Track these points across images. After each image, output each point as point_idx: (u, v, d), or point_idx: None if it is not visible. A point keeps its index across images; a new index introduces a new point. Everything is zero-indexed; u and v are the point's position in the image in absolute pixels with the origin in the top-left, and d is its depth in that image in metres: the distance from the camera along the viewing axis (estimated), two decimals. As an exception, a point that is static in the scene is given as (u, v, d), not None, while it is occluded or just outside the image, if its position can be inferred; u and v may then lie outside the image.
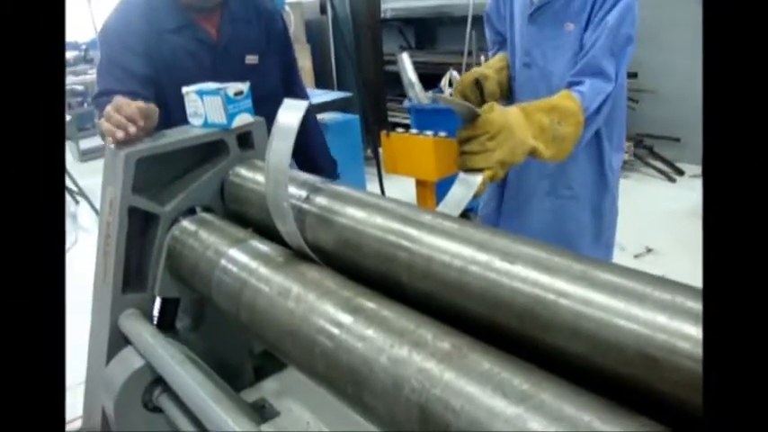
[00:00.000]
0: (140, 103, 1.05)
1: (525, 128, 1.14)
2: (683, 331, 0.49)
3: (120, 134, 0.99)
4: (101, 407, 1.02)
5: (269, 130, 0.87)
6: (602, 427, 0.47)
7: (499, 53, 1.65)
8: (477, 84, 1.56)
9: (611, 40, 1.32)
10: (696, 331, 0.48)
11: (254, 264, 0.86)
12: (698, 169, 4.33)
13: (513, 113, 1.13)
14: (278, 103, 1.75)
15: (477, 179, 1.06)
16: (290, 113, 0.83)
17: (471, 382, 0.55)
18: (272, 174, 0.82)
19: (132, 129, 0.99)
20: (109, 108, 1.04)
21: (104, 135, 1.05)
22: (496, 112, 1.09)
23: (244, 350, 1.14)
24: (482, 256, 0.66)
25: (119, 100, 1.06)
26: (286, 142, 0.81)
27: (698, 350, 0.47)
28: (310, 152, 1.73)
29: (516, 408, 0.51)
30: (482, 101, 1.57)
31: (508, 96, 1.62)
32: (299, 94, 1.72)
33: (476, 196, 1.06)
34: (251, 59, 1.55)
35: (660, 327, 0.51)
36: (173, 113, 1.29)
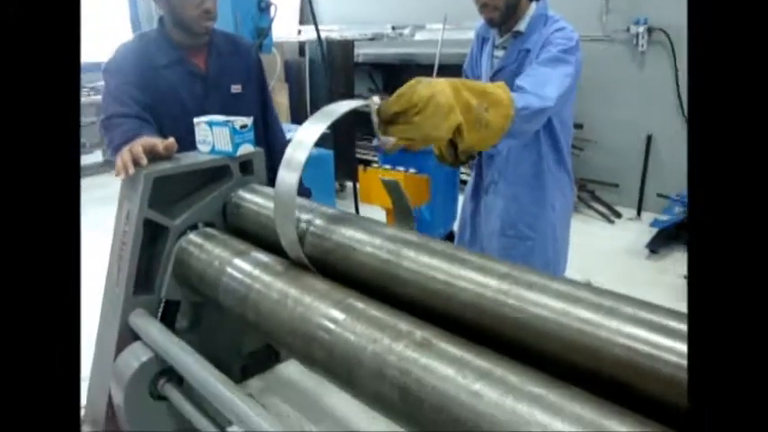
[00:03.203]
0: (169, 141, 1.20)
1: (451, 101, 1.10)
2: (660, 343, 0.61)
3: (122, 174, 1.15)
4: (104, 398, 1.13)
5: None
6: (550, 396, 0.60)
7: None
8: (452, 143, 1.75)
9: (550, 66, 1.48)
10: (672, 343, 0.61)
11: (257, 271, 1.01)
12: (633, 212, 4.92)
13: (440, 85, 1.08)
14: (257, 127, 1.95)
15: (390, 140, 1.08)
16: (298, 149, 0.97)
17: (442, 365, 0.69)
18: (280, 199, 0.96)
19: (131, 170, 1.13)
20: (127, 147, 1.18)
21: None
22: (423, 84, 1.05)
23: (234, 350, 1.28)
24: (460, 271, 0.82)
25: (138, 140, 1.19)
26: (294, 173, 0.95)
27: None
28: None
29: (476, 382, 0.66)
30: (456, 157, 1.77)
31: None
32: (274, 120, 1.94)
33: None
34: (235, 88, 1.77)
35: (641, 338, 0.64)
36: (167, 136, 1.49)
